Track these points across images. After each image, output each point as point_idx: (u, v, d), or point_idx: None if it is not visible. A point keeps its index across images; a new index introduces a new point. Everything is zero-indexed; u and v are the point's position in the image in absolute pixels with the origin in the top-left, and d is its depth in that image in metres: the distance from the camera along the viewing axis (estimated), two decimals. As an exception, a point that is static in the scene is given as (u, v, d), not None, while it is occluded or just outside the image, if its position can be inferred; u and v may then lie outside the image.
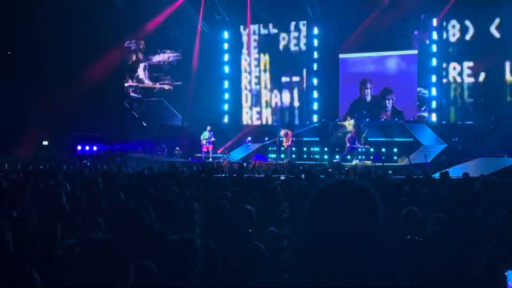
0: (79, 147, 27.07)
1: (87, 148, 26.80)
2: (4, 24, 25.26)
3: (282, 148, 24.53)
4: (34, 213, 6.95)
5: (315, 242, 1.96)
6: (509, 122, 23.17)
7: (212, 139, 25.41)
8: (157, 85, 31.04)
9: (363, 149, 23.94)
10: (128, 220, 6.29)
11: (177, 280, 3.98)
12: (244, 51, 30.05)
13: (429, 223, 6.16)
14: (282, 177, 14.19)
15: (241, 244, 4.91)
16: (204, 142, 25.44)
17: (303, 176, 13.63)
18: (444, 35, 25.67)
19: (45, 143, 28.02)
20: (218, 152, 26.85)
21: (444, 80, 25.77)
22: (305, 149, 26.76)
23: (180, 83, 30.51)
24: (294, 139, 24.55)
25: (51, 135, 27.87)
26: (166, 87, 30.83)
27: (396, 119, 26.35)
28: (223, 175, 15.40)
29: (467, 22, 25.09)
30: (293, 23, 28.50)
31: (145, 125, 27.27)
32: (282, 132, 24.45)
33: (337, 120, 26.35)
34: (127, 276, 2.20)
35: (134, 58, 31.95)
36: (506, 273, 3.91)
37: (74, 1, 24.56)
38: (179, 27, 29.77)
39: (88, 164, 21.34)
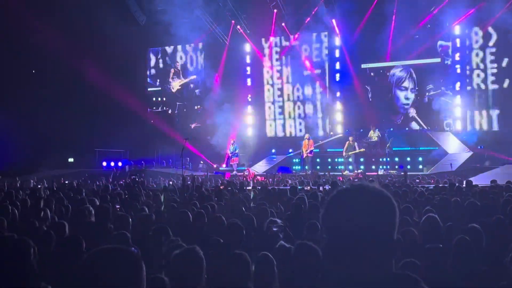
0: (104, 163, 27.24)
1: (112, 164, 26.92)
2: (27, 42, 25.69)
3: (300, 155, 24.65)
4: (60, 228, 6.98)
5: (331, 248, 1.93)
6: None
7: (237, 151, 25.59)
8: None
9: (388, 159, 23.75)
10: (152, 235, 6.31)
11: None
12: (266, 63, 30.08)
13: (455, 231, 6.08)
14: (307, 188, 14.16)
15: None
16: (229, 155, 25.66)
17: (327, 187, 13.55)
18: (467, 42, 25.42)
19: (70, 160, 28.31)
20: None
21: (468, 88, 25.45)
22: (329, 160, 26.56)
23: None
24: (314, 150, 24.46)
25: (76, 152, 28.14)
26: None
27: (420, 127, 26.12)
28: (248, 187, 15.37)
29: (490, 29, 24.84)
30: (314, 34, 28.38)
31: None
32: (307, 136, 24.50)
33: (361, 130, 26.05)
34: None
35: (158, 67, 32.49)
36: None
37: (98, 21, 24.83)
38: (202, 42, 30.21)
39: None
